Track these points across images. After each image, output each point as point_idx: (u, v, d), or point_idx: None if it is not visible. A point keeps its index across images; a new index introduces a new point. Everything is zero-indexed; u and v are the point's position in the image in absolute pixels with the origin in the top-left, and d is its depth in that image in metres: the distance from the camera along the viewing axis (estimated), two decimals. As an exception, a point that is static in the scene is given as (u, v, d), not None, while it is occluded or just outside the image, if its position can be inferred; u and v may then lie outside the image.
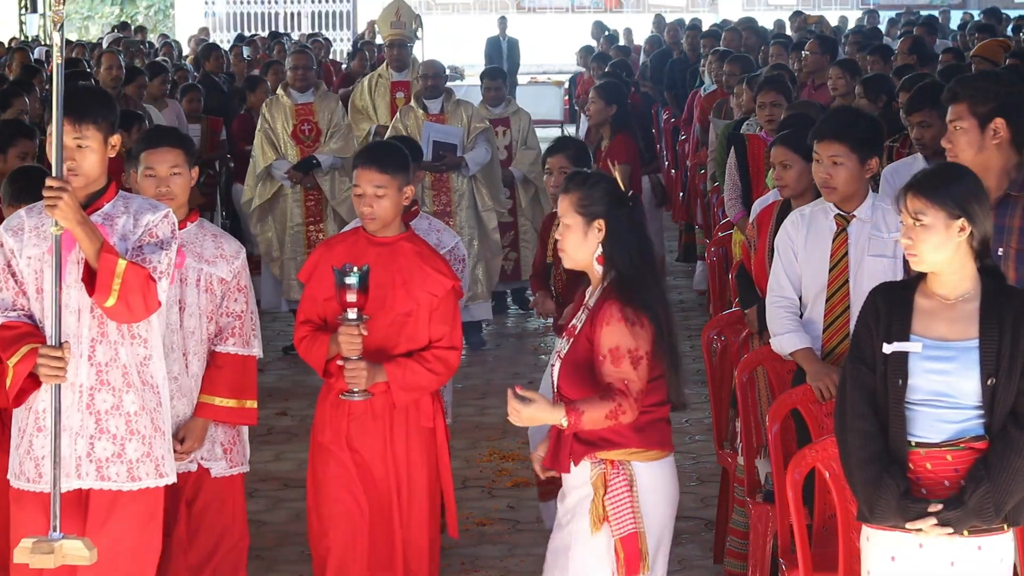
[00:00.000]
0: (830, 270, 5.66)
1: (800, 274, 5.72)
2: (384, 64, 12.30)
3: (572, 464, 4.74)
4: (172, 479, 5.00)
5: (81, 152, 4.81)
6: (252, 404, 5.54)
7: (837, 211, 5.68)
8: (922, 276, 4.37)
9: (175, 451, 5.17)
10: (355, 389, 5.43)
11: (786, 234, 5.78)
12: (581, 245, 4.77)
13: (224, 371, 5.46)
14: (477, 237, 10.97)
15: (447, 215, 10.74)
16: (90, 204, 4.84)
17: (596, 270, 4.77)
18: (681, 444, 8.45)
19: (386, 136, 10.73)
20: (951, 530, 4.24)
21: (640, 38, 23.89)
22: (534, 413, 4.60)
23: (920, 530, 4.25)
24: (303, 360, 5.67)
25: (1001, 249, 5.13)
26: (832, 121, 5.79)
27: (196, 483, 5.49)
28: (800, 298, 5.75)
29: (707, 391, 6.92)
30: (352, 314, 5.30)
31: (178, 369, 5.39)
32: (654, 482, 4.77)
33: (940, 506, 4.23)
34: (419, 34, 12.63)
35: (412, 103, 11.12)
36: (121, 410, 4.85)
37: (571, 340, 4.77)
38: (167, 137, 5.57)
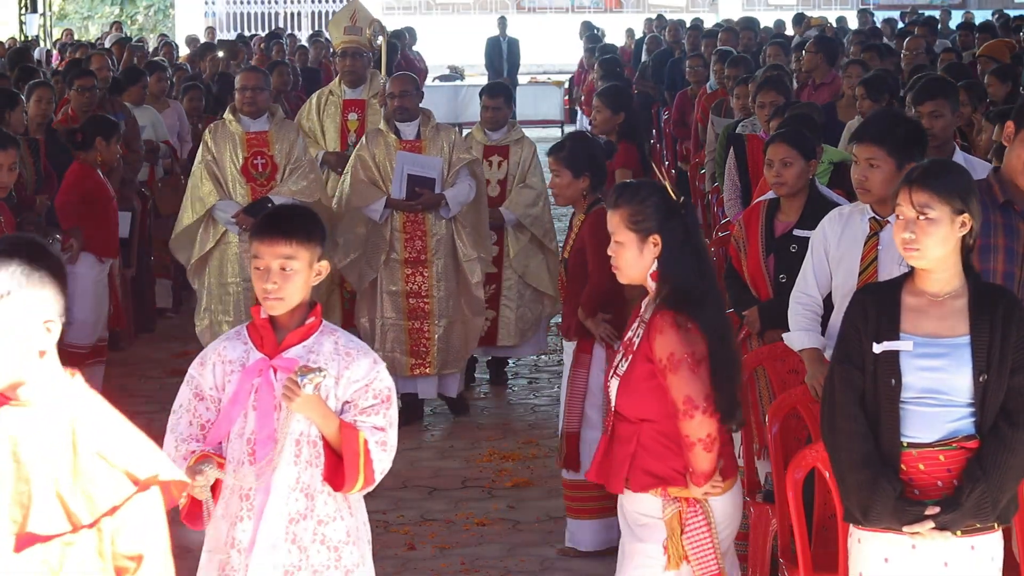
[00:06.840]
0: (860, 273, 5.56)
1: (829, 273, 5.65)
2: (336, 78, 10.15)
3: (627, 488, 4.65)
4: None
5: None
6: None
7: (872, 214, 5.56)
8: (909, 275, 4.34)
9: None
10: None
11: (822, 231, 5.68)
12: (637, 262, 4.67)
13: None
14: (455, 293, 8.94)
15: (421, 263, 8.86)
16: None
17: (650, 285, 4.68)
18: (681, 444, 8.42)
19: (345, 169, 9.05)
20: (948, 533, 4.22)
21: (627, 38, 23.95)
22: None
23: (916, 533, 4.23)
24: None
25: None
26: (872, 124, 5.71)
27: None
28: (827, 297, 5.67)
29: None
30: None
31: None
32: (727, 516, 4.72)
33: (937, 509, 4.20)
34: (376, 43, 10.31)
35: (382, 126, 8.94)
36: None
37: (630, 358, 4.67)
38: None
